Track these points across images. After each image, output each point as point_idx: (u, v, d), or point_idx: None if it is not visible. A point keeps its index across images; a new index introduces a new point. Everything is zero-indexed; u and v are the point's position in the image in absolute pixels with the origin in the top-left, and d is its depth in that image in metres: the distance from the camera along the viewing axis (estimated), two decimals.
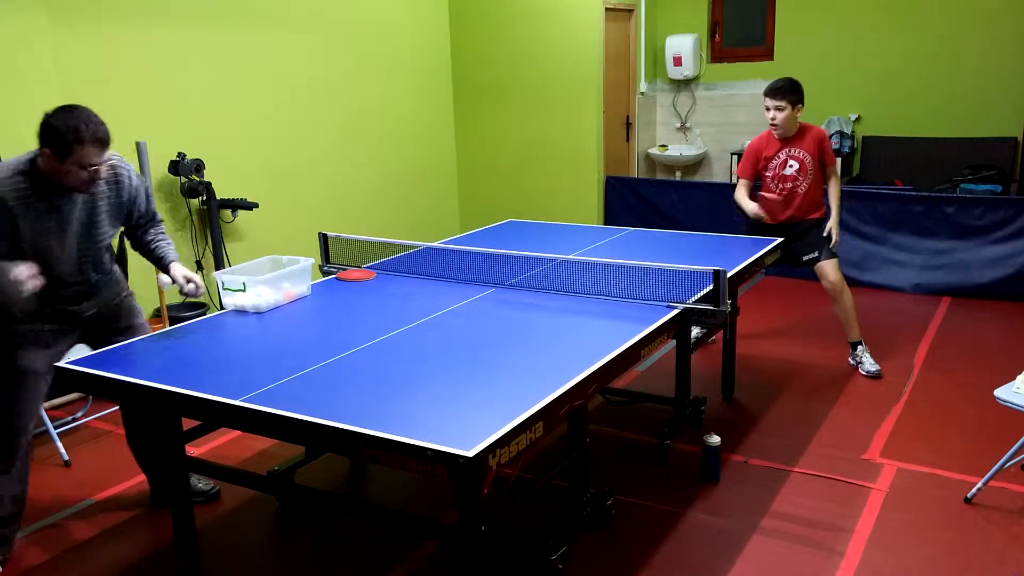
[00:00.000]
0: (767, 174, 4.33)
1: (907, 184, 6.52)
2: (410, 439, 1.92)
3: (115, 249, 3.24)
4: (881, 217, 5.82)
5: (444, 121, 7.04)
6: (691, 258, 3.58)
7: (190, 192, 4.75)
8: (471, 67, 6.94)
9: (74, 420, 4.00)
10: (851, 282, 4.73)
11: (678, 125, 7.78)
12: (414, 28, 6.55)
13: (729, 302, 2.94)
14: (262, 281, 3.01)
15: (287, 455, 3.41)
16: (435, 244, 3.95)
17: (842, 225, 5.70)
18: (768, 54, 7.25)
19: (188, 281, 2.95)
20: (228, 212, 5.08)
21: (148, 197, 2.97)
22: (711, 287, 2.95)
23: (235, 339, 2.74)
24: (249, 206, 4.99)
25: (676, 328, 2.89)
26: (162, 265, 3.00)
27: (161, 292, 4.56)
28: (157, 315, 4.64)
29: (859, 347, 4.37)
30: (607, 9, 6.61)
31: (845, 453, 3.48)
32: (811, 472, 3.33)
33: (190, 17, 4.81)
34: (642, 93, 7.48)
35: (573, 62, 6.57)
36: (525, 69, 6.76)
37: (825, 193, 4.44)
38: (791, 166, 4.27)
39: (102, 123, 2.58)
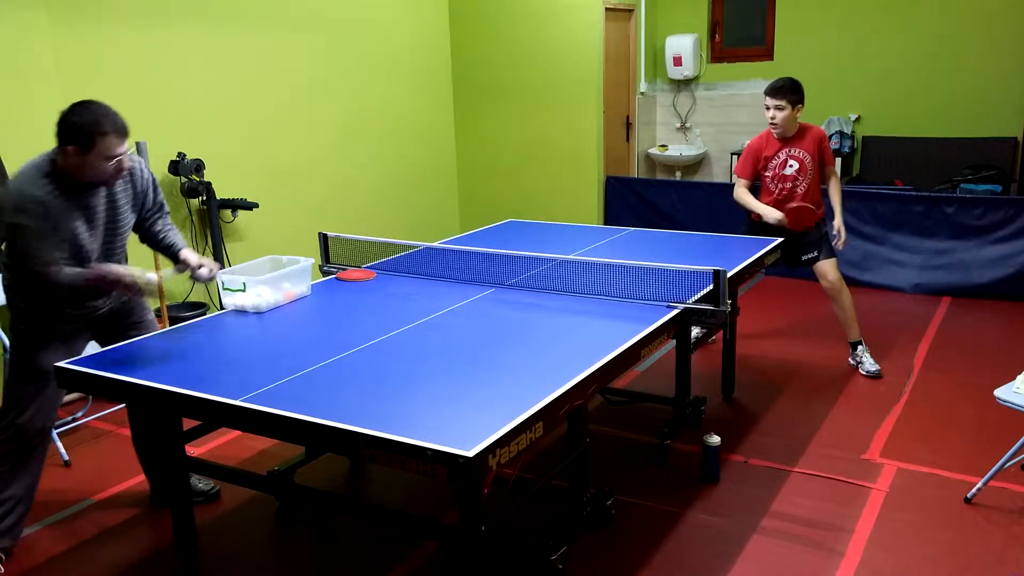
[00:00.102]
0: (767, 174, 4.33)
1: (907, 184, 6.52)
2: (410, 439, 1.92)
3: None
4: (881, 217, 5.82)
5: (444, 121, 7.04)
6: (691, 258, 3.58)
7: (190, 192, 4.75)
8: (471, 67, 6.94)
9: (74, 420, 4.00)
10: (851, 282, 4.74)
11: (678, 125, 7.78)
12: (414, 28, 6.55)
13: (729, 302, 2.94)
14: (262, 281, 3.02)
15: (287, 455, 3.41)
16: (435, 244, 3.95)
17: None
18: (768, 54, 7.25)
19: (201, 266, 2.96)
20: (228, 212, 5.08)
21: (156, 188, 3.00)
22: (711, 287, 2.95)
23: (235, 339, 2.74)
24: (249, 206, 4.99)
25: (676, 328, 2.89)
26: (172, 253, 3.01)
27: (162, 292, 4.56)
28: (157, 315, 4.63)
29: (859, 347, 4.37)
30: (607, 9, 6.61)
31: (845, 453, 3.48)
32: (811, 472, 3.33)
33: (190, 17, 4.81)
34: (642, 93, 7.48)
35: (573, 62, 6.56)
36: (525, 69, 6.76)
37: (825, 193, 4.45)
38: (791, 166, 4.27)
39: (119, 114, 2.62)
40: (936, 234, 5.69)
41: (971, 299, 5.54)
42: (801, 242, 4.36)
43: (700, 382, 4.24)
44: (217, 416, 2.26)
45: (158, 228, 3.02)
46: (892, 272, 5.83)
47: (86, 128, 2.54)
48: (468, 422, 2.04)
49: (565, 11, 6.49)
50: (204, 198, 4.81)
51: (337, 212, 5.97)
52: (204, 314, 4.36)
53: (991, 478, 3.08)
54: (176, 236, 3.04)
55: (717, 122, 7.60)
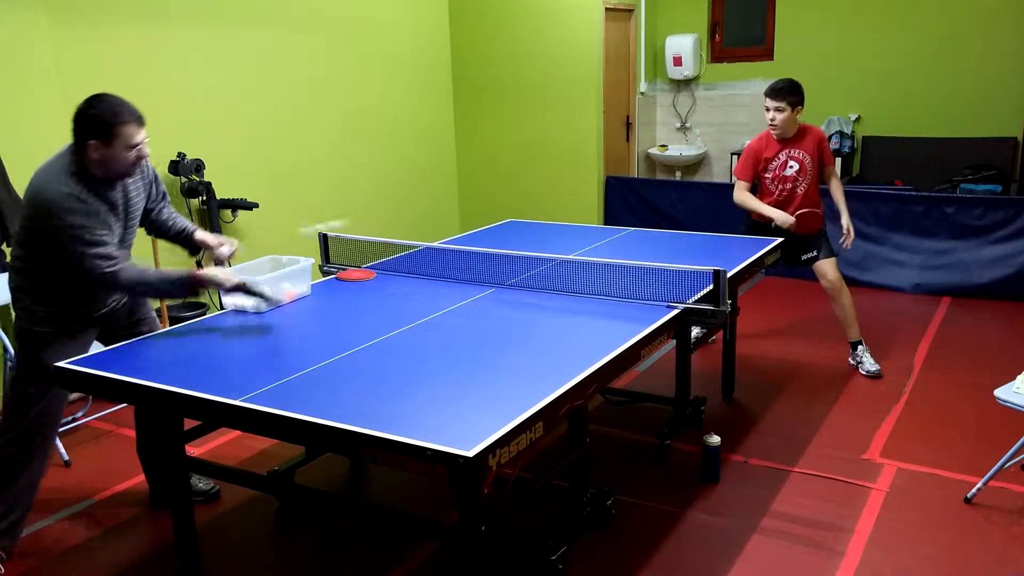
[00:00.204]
0: (766, 175, 4.33)
1: (907, 184, 6.52)
2: (410, 439, 1.92)
3: None
4: (881, 217, 5.82)
5: (444, 121, 7.04)
6: (691, 258, 3.58)
7: (190, 192, 4.75)
8: (471, 67, 6.94)
9: (74, 420, 4.00)
10: (851, 282, 4.73)
11: (678, 125, 7.78)
12: (414, 28, 6.55)
13: (729, 302, 2.94)
14: (262, 281, 3.01)
15: (287, 455, 3.41)
16: (435, 244, 3.95)
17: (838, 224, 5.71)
18: (768, 54, 7.25)
19: (220, 244, 2.96)
20: (228, 212, 5.08)
21: (158, 177, 3.02)
22: (711, 287, 2.95)
23: (235, 339, 2.74)
24: (249, 206, 4.99)
25: (676, 328, 2.89)
26: (186, 237, 3.02)
27: None
28: (157, 315, 4.64)
29: (859, 347, 4.37)
30: (607, 9, 6.61)
31: (845, 453, 3.48)
32: (811, 472, 3.33)
33: (190, 17, 4.81)
34: (642, 93, 7.48)
35: (573, 62, 6.56)
36: (525, 69, 6.76)
37: (824, 193, 4.45)
38: (791, 167, 4.27)
39: (132, 103, 2.65)
40: (936, 234, 5.69)
41: (971, 299, 5.54)
42: (801, 242, 4.36)
43: (700, 382, 4.24)
44: (217, 416, 2.26)
45: (165, 216, 3.03)
46: (892, 272, 5.83)
47: (106, 120, 2.57)
48: (468, 422, 2.04)
49: (565, 11, 6.49)
50: (204, 198, 4.81)
51: (337, 212, 5.96)
52: (204, 314, 4.36)
53: (991, 478, 3.08)
54: (184, 221, 3.06)
55: (717, 122, 7.60)
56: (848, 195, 4.50)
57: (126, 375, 2.41)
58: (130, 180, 2.80)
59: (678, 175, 7.70)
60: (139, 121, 2.64)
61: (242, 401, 2.20)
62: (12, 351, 3.66)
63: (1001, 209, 5.47)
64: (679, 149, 7.61)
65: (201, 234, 3.00)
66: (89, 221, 2.60)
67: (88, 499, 3.34)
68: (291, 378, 2.35)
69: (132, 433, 3.35)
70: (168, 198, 3.08)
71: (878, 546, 2.82)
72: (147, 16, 4.59)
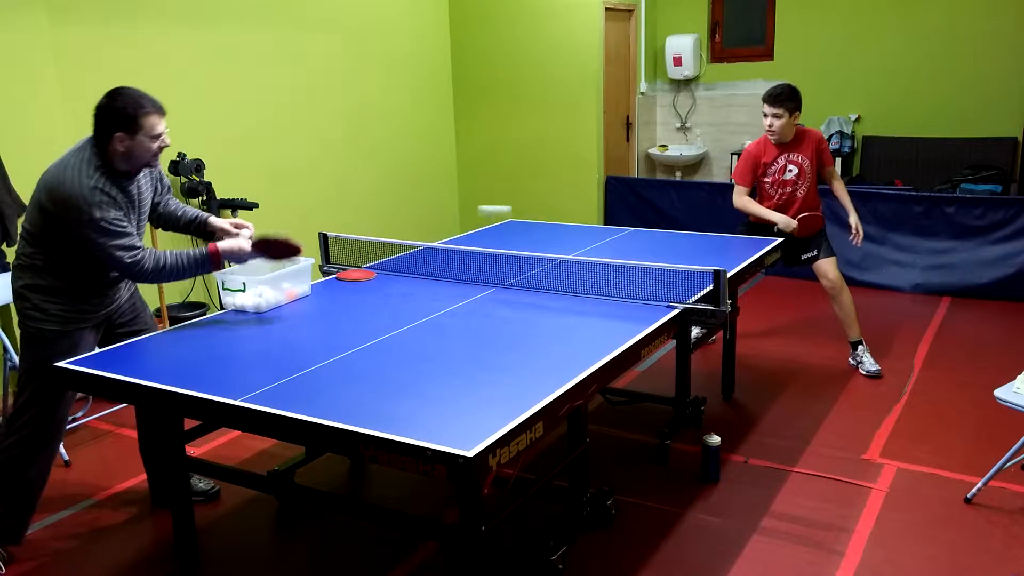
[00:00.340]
0: (766, 180, 4.33)
1: (907, 184, 6.52)
2: (410, 439, 1.92)
3: None
4: (881, 217, 5.82)
5: (444, 121, 7.04)
6: (691, 258, 3.58)
7: (190, 192, 4.75)
8: (471, 67, 6.94)
9: (74, 420, 4.00)
10: (851, 282, 4.73)
11: (678, 125, 7.78)
12: (414, 28, 6.55)
13: (729, 302, 2.94)
14: (262, 281, 3.01)
15: (287, 455, 3.41)
16: (435, 244, 3.95)
17: (842, 225, 5.70)
18: (768, 54, 7.25)
19: (238, 227, 2.97)
20: (228, 212, 5.08)
21: (161, 170, 3.04)
22: (711, 287, 2.95)
23: (235, 339, 2.74)
24: (249, 206, 4.99)
25: (676, 328, 2.89)
26: (199, 224, 3.03)
27: (161, 292, 4.57)
28: (157, 315, 4.64)
29: (859, 347, 4.37)
30: (607, 9, 6.61)
31: (845, 453, 3.48)
32: (811, 472, 3.33)
33: (190, 17, 4.81)
34: (642, 93, 7.48)
35: (573, 62, 6.57)
36: (525, 69, 6.76)
37: (824, 193, 4.45)
38: (790, 171, 4.28)
39: (150, 95, 2.70)
40: (936, 234, 5.69)
41: (971, 299, 5.54)
42: (801, 241, 4.36)
43: (700, 382, 4.24)
44: (217, 416, 2.26)
45: (173, 207, 3.05)
46: (892, 272, 5.83)
47: (129, 111, 2.61)
48: (468, 422, 2.04)
49: (565, 11, 6.49)
50: (204, 198, 4.81)
51: (337, 212, 5.97)
52: (204, 314, 4.36)
53: (991, 478, 3.07)
54: (195, 209, 3.09)
55: (717, 122, 7.60)
56: (849, 195, 4.50)
57: (126, 375, 2.41)
58: (141, 175, 2.82)
59: (678, 175, 7.70)
60: (160, 111, 2.69)
61: (242, 401, 2.20)
62: (12, 352, 3.66)
63: (1001, 209, 5.47)
64: (679, 149, 7.61)
65: (215, 221, 3.02)
66: (114, 213, 2.63)
67: (88, 499, 3.34)
68: (291, 378, 2.35)
69: (132, 433, 3.35)
70: (171, 189, 3.10)
71: (878, 546, 2.82)
72: (147, 16, 4.59)
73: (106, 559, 2.91)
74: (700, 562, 2.77)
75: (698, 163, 7.71)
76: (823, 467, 3.37)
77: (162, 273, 2.75)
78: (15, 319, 2.87)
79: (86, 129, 2.74)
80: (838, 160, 6.75)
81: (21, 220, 3.24)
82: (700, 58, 7.47)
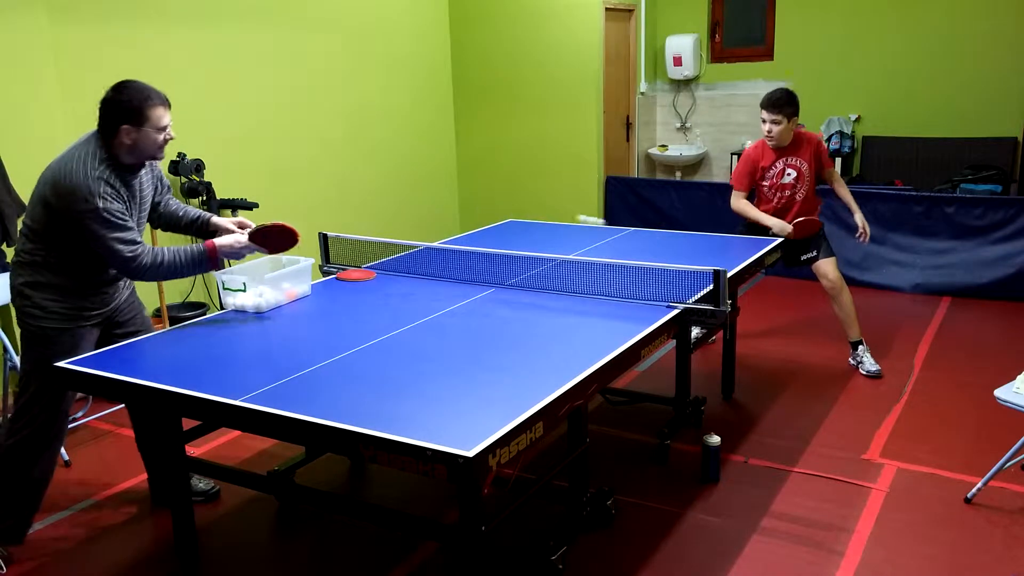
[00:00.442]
0: (764, 183, 4.34)
1: (907, 184, 6.52)
2: (410, 439, 1.92)
3: None
4: (881, 217, 5.82)
5: (444, 121, 7.04)
6: (691, 258, 3.58)
7: (190, 192, 4.75)
8: (471, 67, 6.94)
9: (74, 420, 3.99)
10: (851, 282, 4.73)
11: (678, 125, 7.78)
12: (414, 28, 6.55)
13: (729, 302, 2.94)
14: (262, 281, 3.02)
15: (287, 455, 3.41)
16: (435, 244, 3.95)
17: (842, 225, 5.71)
18: (768, 54, 7.25)
19: (241, 227, 2.97)
20: (228, 212, 5.08)
21: (160, 169, 3.05)
22: (711, 287, 2.95)
23: (235, 339, 2.74)
24: (249, 206, 4.99)
25: (676, 328, 2.89)
26: (201, 224, 3.03)
27: (161, 292, 4.57)
28: (157, 315, 4.64)
29: (860, 347, 4.37)
30: (607, 9, 6.61)
31: (845, 453, 3.48)
32: (811, 472, 3.33)
33: (190, 17, 4.81)
34: (642, 93, 7.48)
35: (573, 62, 6.57)
36: (525, 69, 6.76)
37: (824, 193, 4.45)
38: (789, 175, 4.29)
39: (155, 87, 2.72)
40: (936, 234, 5.69)
41: (971, 299, 5.54)
42: (800, 242, 4.36)
43: (700, 382, 4.24)
44: (217, 416, 2.26)
45: (174, 207, 3.05)
46: (892, 272, 5.83)
47: (135, 103, 2.63)
48: (468, 422, 2.04)
49: (565, 11, 6.49)
50: (204, 198, 4.81)
51: (337, 212, 5.97)
52: (204, 314, 4.36)
53: (991, 478, 3.07)
54: (196, 209, 3.09)
55: (717, 122, 7.60)
56: (852, 194, 4.51)
57: (126, 375, 2.41)
58: (142, 172, 2.83)
59: (678, 175, 7.70)
60: (166, 104, 2.71)
61: (242, 401, 2.20)
62: (12, 352, 3.66)
63: (1001, 209, 5.47)
64: (679, 149, 7.61)
65: (217, 220, 3.02)
66: (117, 206, 2.64)
67: (88, 499, 3.34)
68: (291, 378, 2.35)
69: (132, 433, 3.34)
70: (171, 189, 3.10)
71: (878, 546, 2.82)
72: (147, 16, 4.59)
73: (106, 559, 2.92)
74: (700, 562, 2.77)
75: (698, 163, 7.71)
76: (823, 467, 3.37)
77: (160, 269, 2.74)
78: (15, 319, 2.87)
79: (86, 129, 2.74)
80: (838, 160, 6.75)
81: (21, 219, 3.24)
82: (700, 58, 7.47)
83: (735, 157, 6.97)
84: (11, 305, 2.85)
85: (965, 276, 5.58)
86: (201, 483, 3.28)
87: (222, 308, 3.08)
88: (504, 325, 2.78)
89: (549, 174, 6.90)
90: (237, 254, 2.87)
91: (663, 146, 7.71)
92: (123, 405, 3.97)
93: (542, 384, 2.23)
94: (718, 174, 7.63)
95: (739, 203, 4.36)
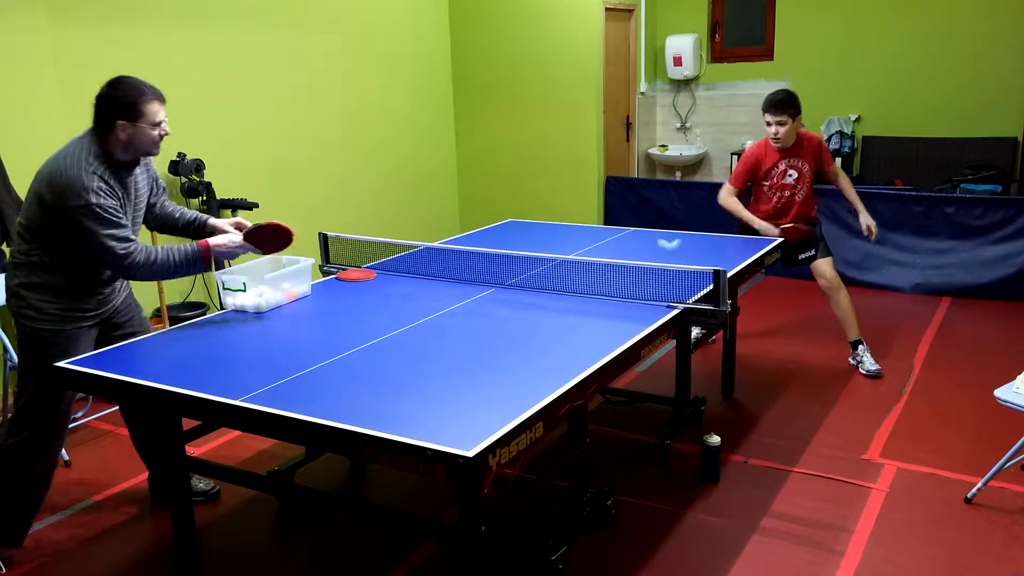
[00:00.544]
0: (765, 183, 4.34)
1: (907, 184, 6.51)
2: (410, 439, 1.92)
3: None
4: (881, 217, 5.80)
5: (444, 121, 7.04)
6: (691, 258, 3.58)
7: (190, 192, 4.75)
8: (471, 67, 6.94)
9: (74, 420, 3.99)
10: (851, 282, 4.74)
11: (678, 125, 7.78)
12: (414, 28, 6.55)
13: (729, 302, 2.94)
14: (262, 281, 3.02)
15: (287, 455, 3.41)
16: (435, 244, 3.95)
17: (842, 225, 5.72)
18: (768, 54, 7.25)
19: (239, 228, 2.97)
20: (228, 212, 5.08)
21: (156, 171, 3.04)
22: (711, 287, 2.95)
23: (235, 339, 2.74)
24: (249, 206, 4.99)
25: (676, 328, 2.89)
26: (198, 226, 3.02)
27: (161, 292, 4.56)
28: (157, 315, 4.64)
29: (859, 346, 4.37)
30: (607, 9, 6.61)
31: (845, 453, 3.48)
32: (811, 472, 3.33)
33: (190, 17, 4.81)
34: (642, 93, 7.48)
35: (573, 62, 6.56)
36: (525, 69, 6.76)
37: (824, 192, 4.45)
38: (790, 175, 4.29)
39: (150, 83, 2.73)
40: (936, 234, 5.69)
41: (971, 299, 5.54)
42: (797, 241, 4.36)
43: (700, 382, 4.24)
44: (217, 416, 2.26)
45: (170, 208, 3.04)
46: (892, 272, 5.83)
47: (130, 99, 2.64)
48: (468, 422, 2.04)
49: (565, 11, 6.49)
50: (204, 198, 4.81)
51: (337, 212, 5.97)
52: (204, 314, 4.36)
53: (991, 478, 3.08)
54: (193, 211, 3.08)
55: (717, 122, 7.60)
56: (856, 192, 4.51)
57: (126, 375, 2.41)
58: (137, 171, 2.82)
59: (678, 175, 7.70)
60: (161, 99, 2.72)
61: (242, 401, 2.20)
62: (12, 352, 3.66)
63: (1001, 209, 5.47)
64: (679, 149, 7.61)
65: (215, 221, 3.01)
66: (111, 202, 2.63)
67: (88, 499, 3.34)
68: (291, 378, 2.35)
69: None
70: (167, 191, 3.10)
71: (878, 546, 2.82)
72: (147, 16, 4.59)
73: (106, 559, 2.92)
74: (700, 562, 2.77)
75: (698, 163, 7.71)
76: (823, 467, 3.37)
77: (154, 268, 2.72)
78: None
79: (86, 128, 2.74)
80: (837, 160, 6.75)
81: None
82: (700, 58, 7.47)
83: (735, 157, 6.97)
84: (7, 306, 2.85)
85: (965, 276, 5.58)
86: (201, 483, 3.28)
87: (222, 308, 3.08)
88: (504, 325, 2.78)
89: (549, 174, 6.90)
90: (231, 253, 2.86)
91: (663, 146, 7.71)
92: None
93: (542, 384, 2.23)
94: (718, 174, 7.63)
95: (729, 199, 4.37)
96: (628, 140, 7.43)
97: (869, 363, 4.30)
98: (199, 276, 5.01)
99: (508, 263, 3.53)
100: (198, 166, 4.73)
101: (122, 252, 2.65)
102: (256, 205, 5.03)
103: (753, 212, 4.39)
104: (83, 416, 4.06)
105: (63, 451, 3.65)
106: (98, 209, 2.59)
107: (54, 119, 4.14)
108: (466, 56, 6.93)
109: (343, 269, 3.58)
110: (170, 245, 2.77)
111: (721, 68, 7.50)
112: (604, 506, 2.98)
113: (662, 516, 3.06)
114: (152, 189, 2.97)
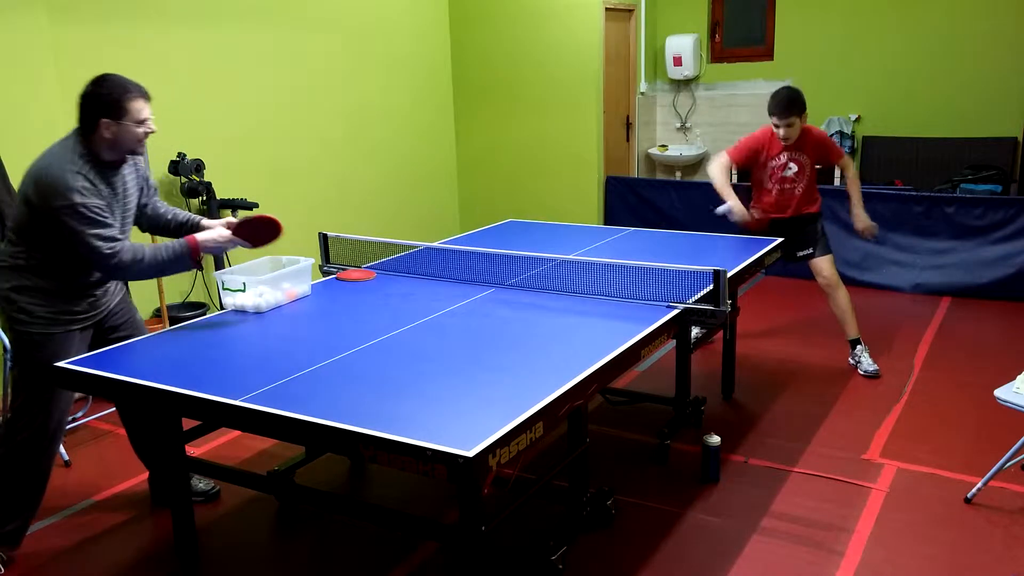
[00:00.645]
0: (766, 174, 4.34)
1: (907, 184, 6.51)
2: (410, 439, 1.92)
3: None
4: (881, 217, 5.80)
5: (444, 121, 7.04)
6: (691, 258, 3.58)
7: (190, 192, 4.75)
8: (471, 67, 6.94)
9: (74, 420, 4.00)
10: (851, 282, 4.74)
11: (678, 125, 7.77)
12: (414, 28, 6.55)
13: (729, 302, 2.94)
14: (262, 281, 3.02)
15: (287, 455, 3.41)
16: (435, 244, 3.95)
17: (842, 226, 5.71)
18: (768, 54, 7.24)
19: (229, 226, 2.96)
20: (228, 212, 5.08)
21: (149, 171, 3.03)
22: (711, 287, 2.95)
23: (235, 339, 2.74)
24: (249, 206, 4.99)
25: (676, 328, 2.89)
26: (191, 227, 3.00)
27: (161, 292, 4.56)
28: (157, 315, 4.64)
29: (858, 346, 4.37)
30: (607, 9, 6.61)
31: (845, 453, 3.48)
32: (811, 472, 3.33)
33: (190, 17, 4.81)
34: (642, 93, 7.48)
35: (573, 62, 6.56)
36: (525, 69, 6.76)
37: (824, 193, 4.46)
38: (791, 168, 4.30)
39: (134, 80, 2.71)
40: (936, 234, 5.69)
41: (971, 299, 5.54)
42: (797, 238, 4.37)
43: (700, 382, 4.24)
44: (217, 416, 2.26)
45: (162, 210, 3.02)
46: (892, 272, 5.83)
47: (114, 96, 2.62)
48: (468, 422, 2.04)
49: (565, 11, 6.49)
50: (204, 198, 4.81)
51: (337, 212, 5.97)
52: (204, 314, 4.36)
53: (991, 478, 3.08)
54: (185, 212, 3.06)
55: (717, 122, 7.59)
56: (859, 191, 4.50)
57: (126, 375, 2.41)
58: (126, 171, 2.80)
59: (678, 175, 7.70)
60: (146, 96, 2.69)
61: (242, 401, 2.20)
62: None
63: (1001, 209, 5.47)
64: (679, 149, 7.61)
65: (208, 222, 3.00)
66: (95, 201, 2.61)
67: (88, 499, 3.34)
68: (291, 378, 2.35)
69: None
70: (158, 191, 3.08)
71: (878, 546, 2.82)
72: (147, 16, 4.59)
73: (106, 559, 2.92)
74: (700, 562, 2.77)
75: (698, 163, 7.71)
76: (823, 467, 3.37)
77: (141, 266, 2.69)
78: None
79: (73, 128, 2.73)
80: None
81: None
82: (700, 58, 7.47)
83: None
84: None
85: (965, 276, 5.58)
86: (201, 483, 3.28)
87: (222, 308, 3.08)
88: (504, 325, 2.78)
89: (549, 174, 6.90)
90: (220, 248, 2.85)
91: (663, 146, 7.71)
92: None
93: (542, 384, 2.23)
94: None
95: (718, 169, 4.34)
96: (628, 140, 7.42)
97: (867, 363, 4.30)
98: (199, 276, 5.01)
99: (508, 263, 3.53)
100: (198, 166, 4.73)
101: (108, 252, 2.62)
102: (256, 205, 5.03)
103: (755, 204, 4.40)
104: (83, 416, 4.06)
105: (63, 451, 3.65)
106: (83, 209, 2.57)
107: (54, 119, 4.13)
108: (466, 56, 6.93)
109: (343, 269, 3.58)
110: (158, 243, 2.75)
111: (721, 68, 7.49)
112: (604, 506, 2.98)
113: (662, 516, 3.06)
114: (143, 190, 2.95)
